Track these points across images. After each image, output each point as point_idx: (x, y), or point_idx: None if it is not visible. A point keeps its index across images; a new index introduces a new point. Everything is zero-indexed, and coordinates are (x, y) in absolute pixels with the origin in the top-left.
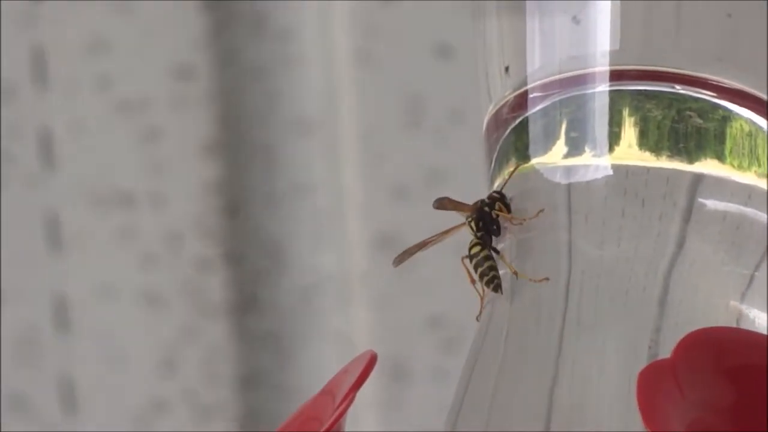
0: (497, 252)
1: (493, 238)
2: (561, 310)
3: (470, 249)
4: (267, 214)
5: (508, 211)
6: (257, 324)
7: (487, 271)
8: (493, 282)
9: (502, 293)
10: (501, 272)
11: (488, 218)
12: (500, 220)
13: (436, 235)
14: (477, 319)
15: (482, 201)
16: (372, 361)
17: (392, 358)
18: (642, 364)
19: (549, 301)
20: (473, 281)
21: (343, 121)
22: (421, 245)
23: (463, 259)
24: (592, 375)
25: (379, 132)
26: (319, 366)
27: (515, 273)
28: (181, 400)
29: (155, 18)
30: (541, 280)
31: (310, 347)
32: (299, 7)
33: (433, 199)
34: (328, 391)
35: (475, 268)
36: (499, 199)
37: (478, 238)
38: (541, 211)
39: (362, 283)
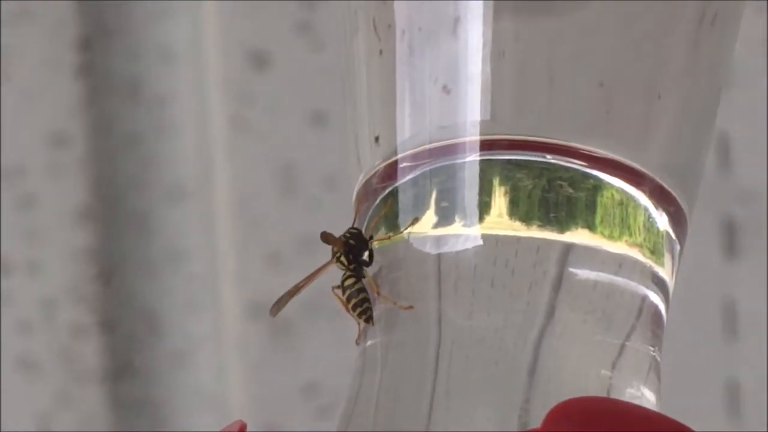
0: (364, 277)
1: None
2: (431, 379)
3: (343, 282)
4: (141, 281)
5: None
6: (132, 390)
7: (360, 303)
8: (365, 313)
9: (373, 324)
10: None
11: (357, 249)
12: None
13: (306, 277)
14: (356, 343)
15: (344, 235)
16: (241, 431)
17: (267, 424)
18: None
19: (419, 370)
20: (347, 309)
21: (218, 187)
22: (294, 290)
23: (333, 288)
24: None
25: (254, 199)
26: None
27: (378, 293)
28: None
29: (30, 85)
30: (407, 308)
31: (185, 414)
32: (174, 74)
33: (304, 265)
34: None
35: (348, 299)
36: (357, 233)
37: (350, 270)
38: (411, 307)
39: (236, 350)
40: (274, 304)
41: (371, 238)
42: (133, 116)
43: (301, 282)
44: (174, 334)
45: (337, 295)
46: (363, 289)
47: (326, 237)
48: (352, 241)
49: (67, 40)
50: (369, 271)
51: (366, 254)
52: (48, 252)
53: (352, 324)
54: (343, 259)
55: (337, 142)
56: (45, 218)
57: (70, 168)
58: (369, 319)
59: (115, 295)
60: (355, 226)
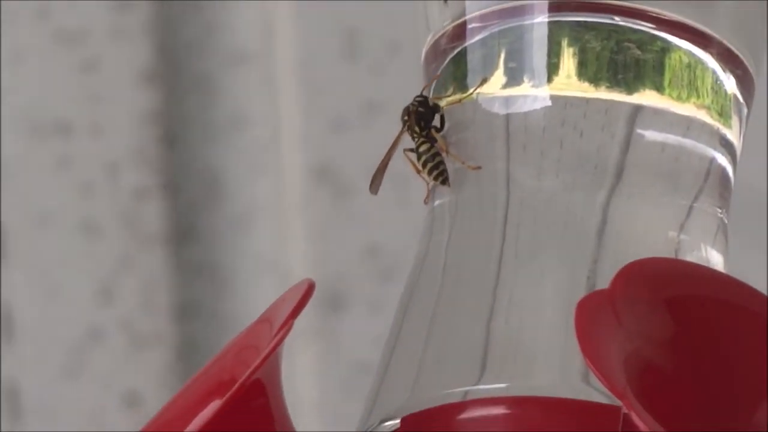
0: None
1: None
2: (499, 240)
3: (418, 147)
4: (204, 144)
5: (437, 107)
6: (194, 254)
7: (437, 166)
8: (442, 176)
9: (450, 185)
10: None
11: (426, 115)
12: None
13: (388, 151)
14: (425, 202)
15: (410, 105)
16: (310, 289)
17: (329, 288)
18: (580, 294)
19: (487, 231)
20: (419, 171)
21: (281, 53)
22: (383, 165)
23: (405, 151)
24: (530, 305)
25: (317, 64)
26: (255, 295)
27: (447, 152)
28: (117, 329)
29: None
30: (475, 168)
31: (246, 277)
32: None
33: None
34: (265, 320)
35: (424, 164)
36: (425, 100)
37: (423, 136)
38: (479, 167)
39: (299, 213)
40: (372, 183)
41: (439, 105)
42: None
43: (385, 156)
44: (237, 197)
45: (409, 157)
46: (438, 153)
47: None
48: (421, 109)
49: None
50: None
51: (437, 120)
52: (111, 114)
53: (414, 186)
54: (415, 128)
55: (399, 5)
56: (108, 81)
57: (133, 31)
58: (445, 181)
59: (178, 158)
60: (424, 90)
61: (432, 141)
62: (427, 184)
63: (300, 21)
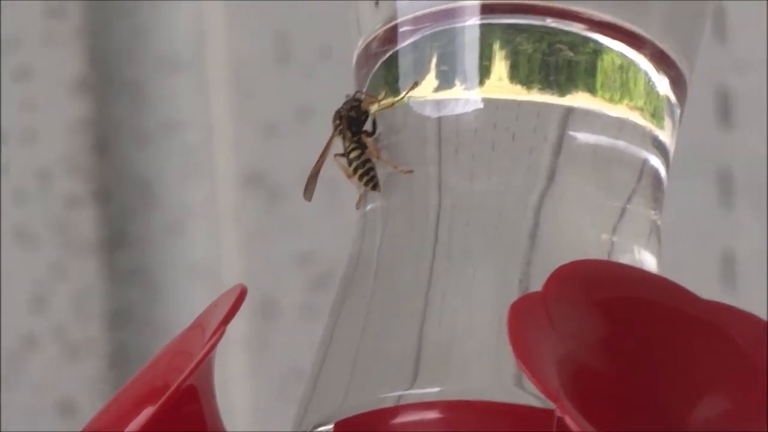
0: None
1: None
2: (431, 244)
3: (348, 153)
4: (137, 151)
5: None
6: (127, 260)
7: (367, 172)
8: (372, 181)
9: (380, 191)
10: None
11: (358, 119)
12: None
13: (320, 156)
14: (356, 207)
15: (341, 109)
16: (242, 294)
17: (261, 294)
18: (513, 297)
19: (419, 234)
20: (349, 177)
21: (212, 58)
22: (316, 171)
23: (336, 156)
24: (463, 309)
25: (248, 69)
26: (188, 302)
27: (378, 158)
28: (50, 337)
29: None
30: (407, 172)
31: (179, 284)
32: None
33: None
34: (197, 326)
35: (355, 169)
36: (356, 101)
37: (355, 141)
38: (411, 171)
39: (232, 220)
40: (306, 189)
41: (368, 110)
42: None
43: (318, 162)
44: (169, 203)
45: (340, 163)
46: (369, 159)
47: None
48: (352, 113)
49: None
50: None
51: (368, 124)
52: (43, 122)
53: (347, 192)
54: (346, 132)
55: (331, 8)
56: (41, 88)
57: (65, 38)
58: (376, 187)
59: (110, 165)
60: (357, 92)
61: (363, 146)
62: (359, 189)
63: (231, 26)
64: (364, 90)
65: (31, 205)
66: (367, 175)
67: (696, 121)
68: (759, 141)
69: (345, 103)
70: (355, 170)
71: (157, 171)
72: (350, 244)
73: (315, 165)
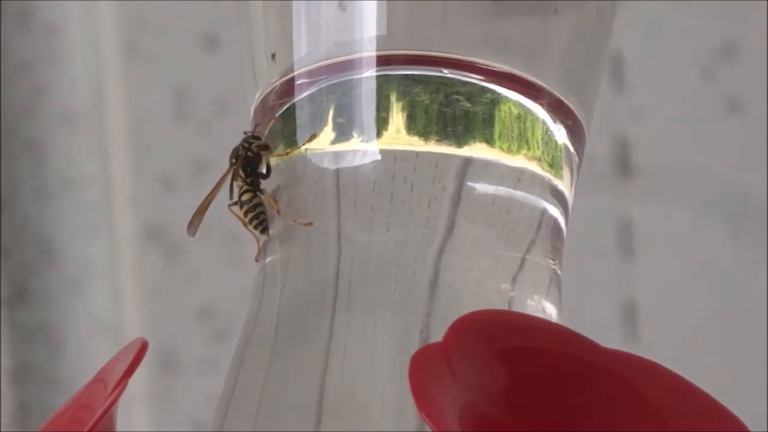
0: (262, 193)
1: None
2: (331, 296)
3: (240, 197)
4: (35, 207)
5: (267, 148)
6: (27, 316)
7: (257, 216)
8: (261, 225)
9: (269, 237)
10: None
11: (253, 161)
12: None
13: (209, 193)
14: (255, 260)
15: (239, 147)
16: (143, 348)
17: (162, 348)
18: (414, 348)
19: (319, 287)
20: (246, 225)
21: (111, 113)
22: (203, 207)
23: (229, 206)
24: (364, 361)
25: (146, 124)
26: (90, 357)
27: (278, 212)
28: None
29: None
30: (306, 224)
31: (80, 339)
32: (65, 1)
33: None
34: (99, 380)
35: (245, 214)
36: (254, 139)
37: (248, 184)
38: (310, 224)
39: (132, 274)
40: (189, 225)
41: (265, 149)
42: (23, 44)
43: (206, 198)
44: (69, 260)
45: (233, 212)
46: (260, 203)
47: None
48: (250, 154)
49: None
50: (267, 188)
51: (263, 167)
52: None
53: (246, 245)
54: (240, 171)
55: (228, 65)
56: None
57: None
58: (265, 230)
59: (9, 221)
60: (255, 130)
61: (255, 189)
62: (257, 241)
63: (128, 81)
64: (267, 128)
65: None
66: (257, 219)
67: (594, 169)
68: (657, 190)
69: (243, 140)
70: (246, 213)
71: (57, 227)
72: (250, 296)
73: (203, 200)
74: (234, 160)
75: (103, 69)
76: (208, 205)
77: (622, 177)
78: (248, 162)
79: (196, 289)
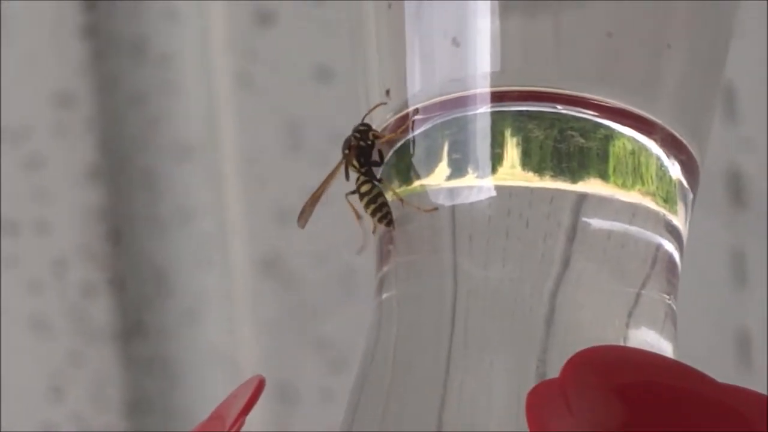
0: (380, 182)
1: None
2: (447, 332)
3: (359, 188)
4: (150, 239)
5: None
6: (143, 348)
7: (380, 208)
8: (386, 218)
9: (394, 228)
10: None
11: (366, 150)
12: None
13: (321, 183)
14: (357, 253)
15: (350, 137)
16: (260, 386)
17: (279, 380)
18: (531, 384)
19: (435, 323)
20: (358, 217)
21: (224, 144)
22: (314, 198)
23: (347, 195)
24: (481, 397)
25: (260, 155)
26: (205, 389)
27: (401, 200)
28: (69, 425)
29: (35, 46)
30: (431, 210)
31: (196, 371)
32: (179, 32)
33: (307, 223)
34: (217, 416)
35: (367, 204)
36: (367, 130)
37: (364, 174)
38: (435, 209)
39: (246, 306)
40: (300, 217)
41: (376, 137)
42: (138, 75)
43: (318, 189)
44: (184, 291)
45: (350, 202)
46: (381, 194)
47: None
48: (362, 143)
49: (72, 1)
50: (380, 225)
51: (376, 155)
52: (56, 211)
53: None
54: (354, 162)
55: (341, 97)
56: (52, 178)
57: (76, 127)
58: (390, 223)
59: (125, 253)
60: (366, 118)
61: (372, 178)
62: (371, 225)
63: (242, 112)
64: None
65: (47, 294)
66: (380, 211)
67: (708, 202)
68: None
69: (354, 131)
70: (367, 205)
71: (172, 259)
72: (367, 332)
73: (315, 192)
74: (347, 151)
75: (217, 100)
76: (319, 197)
77: (734, 207)
78: (361, 151)
79: (311, 320)
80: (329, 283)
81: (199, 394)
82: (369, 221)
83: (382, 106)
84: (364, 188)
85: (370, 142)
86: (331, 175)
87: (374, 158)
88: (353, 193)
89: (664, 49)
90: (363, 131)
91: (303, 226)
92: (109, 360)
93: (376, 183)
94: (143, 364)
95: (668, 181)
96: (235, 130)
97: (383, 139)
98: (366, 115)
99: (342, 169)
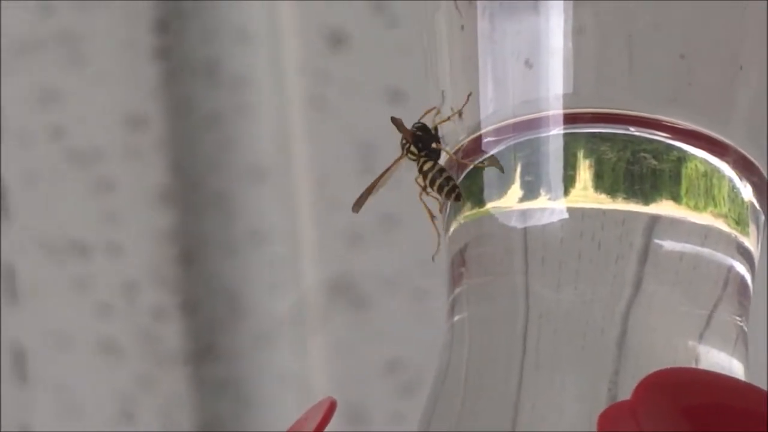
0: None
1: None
2: (519, 353)
3: (421, 167)
4: (222, 262)
5: (437, 140)
6: (215, 372)
7: (446, 182)
8: (453, 191)
9: (463, 202)
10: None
11: (425, 137)
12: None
13: (381, 174)
14: (432, 259)
15: (412, 127)
16: (331, 408)
17: (350, 402)
18: (602, 406)
19: (507, 344)
20: (432, 217)
21: (297, 167)
22: (372, 187)
23: (416, 179)
24: (552, 418)
25: (333, 178)
26: (278, 412)
27: (458, 160)
28: None
29: (107, 67)
30: (496, 165)
31: (268, 394)
32: (251, 54)
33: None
34: None
35: (432, 182)
36: (424, 126)
37: (424, 156)
38: (500, 167)
39: (319, 329)
40: (355, 203)
41: (436, 130)
42: (210, 97)
43: (376, 180)
44: (256, 314)
45: (424, 203)
46: (443, 169)
47: (396, 122)
48: (419, 133)
49: (143, 22)
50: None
51: (435, 144)
52: (128, 234)
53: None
54: (413, 149)
55: (414, 119)
56: (124, 201)
57: (148, 150)
58: (459, 197)
59: (197, 276)
60: (424, 118)
61: (435, 155)
62: (440, 204)
63: (314, 134)
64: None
65: (118, 317)
66: (446, 184)
67: None
68: None
69: (413, 126)
70: (432, 182)
71: (244, 282)
72: (439, 354)
73: (373, 182)
74: (404, 142)
75: (289, 122)
76: (375, 187)
77: None
78: (418, 140)
79: (383, 343)
80: (401, 305)
81: (271, 417)
82: (441, 223)
83: (455, 124)
84: (426, 166)
85: (427, 133)
86: (390, 168)
87: (433, 146)
88: (418, 173)
89: (737, 70)
90: (420, 126)
91: (357, 211)
92: (181, 384)
93: (437, 160)
94: (215, 388)
95: (740, 202)
96: (308, 152)
97: (448, 153)
98: (422, 117)
99: (401, 162)
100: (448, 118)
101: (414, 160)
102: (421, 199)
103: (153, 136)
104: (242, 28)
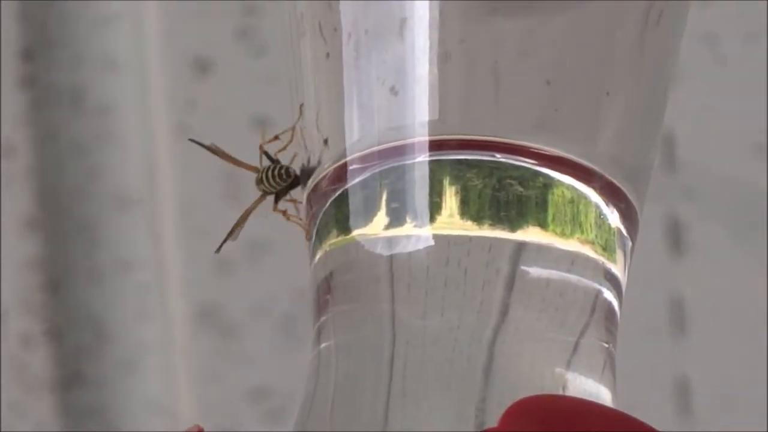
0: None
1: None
2: (386, 381)
3: (264, 173)
4: (89, 290)
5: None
6: (82, 399)
7: (279, 171)
8: (285, 168)
9: (302, 184)
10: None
11: (275, 169)
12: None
13: (243, 214)
14: (306, 239)
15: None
16: None
17: (218, 429)
18: None
19: (373, 372)
20: (309, 238)
21: (163, 195)
22: (237, 226)
23: (273, 210)
24: None
25: (199, 205)
26: None
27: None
28: None
29: None
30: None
31: (136, 421)
32: (117, 82)
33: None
34: None
35: (272, 180)
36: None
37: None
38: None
39: (185, 356)
40: (218, 248)
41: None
42: (77, 125)
43: (240, 219)
44: (122, 342)
45: (279, 211)
46: (278, 162)
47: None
48: (270, 167)
49: (9, 51)
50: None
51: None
52: None
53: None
54: (265, 186)
55: (280, 146)
56: None
57: (15, 178)
58: (294, 176)
59: (63, 304)
60: (306, 230)
61: (276, 162)
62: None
63: (179, 162)
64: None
65: None
66: (280, 166)
67: (646, 250)
68: (710, 271)
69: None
70: (272, 180)
71: (110, 309)
72: (305, 381)
73: (235, 225)
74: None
75: (155, 151)
76: (237, 229)
77: (673, 254)
78: (269, 175)
79: (251, 370)
80: (268, 332)
81: None
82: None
83: (320, 153)
84: (268, 170)
85: (276, 168)
86: (252, 207)
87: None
88: (264, 189)
89: (603, 96)
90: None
91: (218, 252)
92: (48, 410)
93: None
94: (82, 415)
95: (607, 229)
96: (174, 180)
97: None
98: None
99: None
100: (288, 144)
101: (271, 193)
102: (275, 209)
103: (20, 164)
104: (108, 55)
